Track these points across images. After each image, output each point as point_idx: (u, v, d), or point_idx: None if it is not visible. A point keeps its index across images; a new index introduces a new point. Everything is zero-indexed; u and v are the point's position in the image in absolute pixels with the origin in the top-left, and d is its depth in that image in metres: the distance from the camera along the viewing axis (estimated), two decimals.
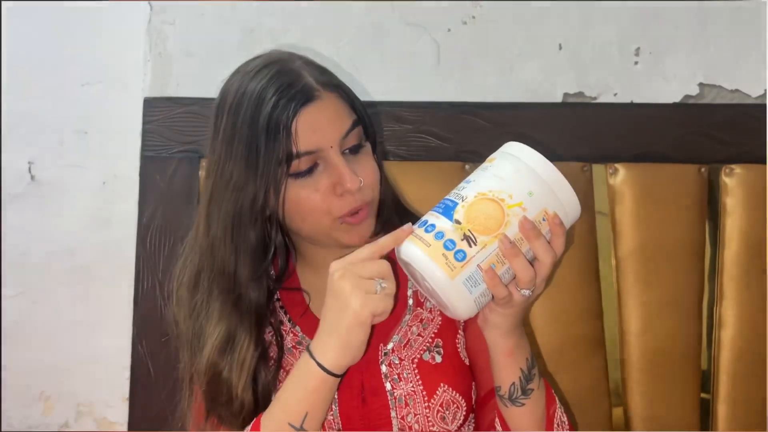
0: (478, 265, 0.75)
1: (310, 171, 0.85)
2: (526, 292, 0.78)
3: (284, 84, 0.84)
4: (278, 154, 0.83)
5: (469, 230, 0.75)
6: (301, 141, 0.83)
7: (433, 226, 0.77)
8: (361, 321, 0.77)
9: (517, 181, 0.77)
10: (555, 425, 0.89)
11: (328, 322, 0.80)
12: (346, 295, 0.77)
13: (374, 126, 0.93)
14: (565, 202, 0.78)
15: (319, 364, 0.80)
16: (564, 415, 0.91)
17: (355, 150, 0.88)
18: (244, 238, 0.87)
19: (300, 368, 0.82)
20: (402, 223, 0.81)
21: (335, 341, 0.79)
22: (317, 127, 0.84)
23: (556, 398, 0.91)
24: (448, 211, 0.77)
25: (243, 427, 0.87)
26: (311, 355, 0.81)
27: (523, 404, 0.86)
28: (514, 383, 0.85)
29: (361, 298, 0.77)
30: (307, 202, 0.85)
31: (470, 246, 0.75)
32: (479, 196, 0.76)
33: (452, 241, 0.75)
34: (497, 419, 0.90)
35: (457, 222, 0.75)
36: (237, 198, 0.85)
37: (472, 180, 0.79)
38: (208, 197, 0.88)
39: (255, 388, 0.89)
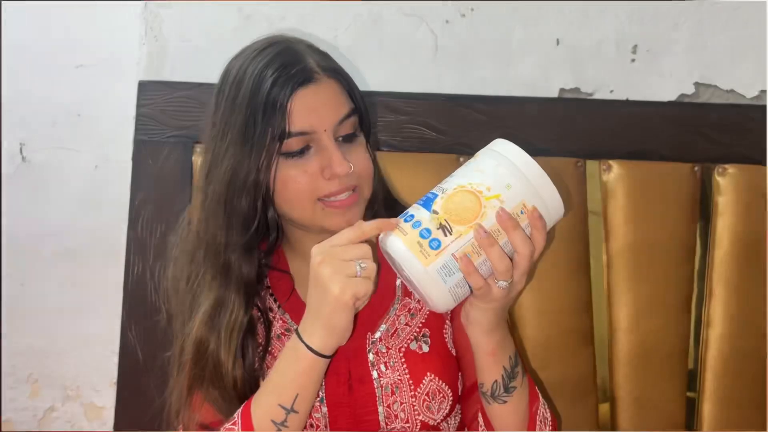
0: (452, 254, 0.76)
1: (301, 153, 0.86)
2: (503, 284, 0.78)
3: (285, 64, 0.85)
4: (272, 131, 0.84)
5: (445, 220, 0.76)
6: (295, 121, 0.84)
7: (412, 216, 0.78)
8: (342, 304, 0.78)
9: (497, 175, 0.78)
10: (538, 422, 0.89)
11: (313, 306, 0.81)
12: (327, 280, 0.78)
13: (370, 118, 0.94)
14: (547, 199, 0.78)
15: (308, 346, 0.81)
16: (547, 411, 0.91)
17: (349, 139, 0.88)
18: (236, 209, 0.87)
19: (289, 350, 0.83)
20: (389, 216, 0.81)
21: (320, 324, 0.80)
22: (312, 108, 0.85)
23: (539, 395, 0.91)
24: (428, 203, 0.78)
25: (233, 410, 0.87)
26: (300, 337, 0.82)
27: (505, 401, 0.86)
28: (496, 381, 0.86)
29: (341, 282, 0.77)
30: (294, 183, 0.86)
31: (445, 235, 0.76)
32: (458, 188, 0.78)
33: (428, 230, 0.76)
34: (480, 414, 0.90)
35: (435, 212, 0.77)
36: (232, 170, 0.86)
37: (455, 174, 0.81)
38: (205, 170, 0.89)
39: (243, 364, 0.89)
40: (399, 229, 0.78)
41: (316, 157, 0.86)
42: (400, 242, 0.77)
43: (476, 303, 0.81)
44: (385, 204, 0.97)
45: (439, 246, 0.76)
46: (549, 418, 0.91)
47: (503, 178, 0.77)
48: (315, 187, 0.86)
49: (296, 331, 0.82)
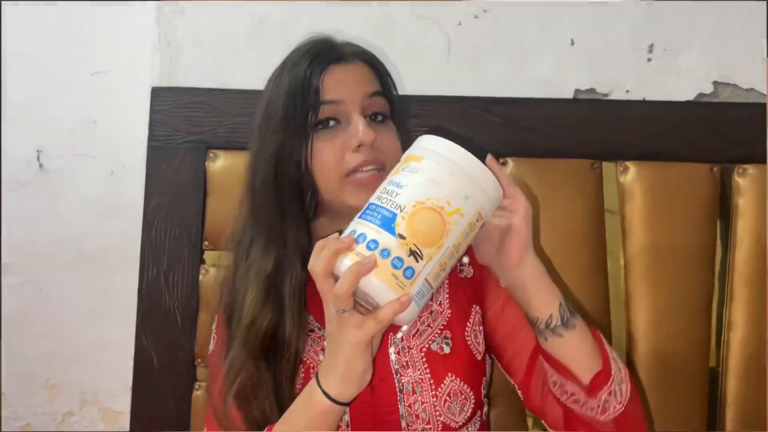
0: (425, 279, 0.74)
1: (331, 126, 0.90)
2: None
3: (319, 49, 0.93)
4: (308, 105, 0.90)
5: (414, 245, 0.73)
6: (327, 92, 0.90)
7: (375, 242, 0.73)
8: (356, 352, 0.79)
9: (454, 187, 0.76)
10: (612, 360, 0.86)
11: (328, 356, 0.82)
12: (334, 337, 0.79)
13: (403, 113, 0.98)
14: (493, 199, 0.79)
15: (325, 393, 0.82)
16: (621, 370, 0.88)
17: (378, 119, 0.93)
18: (284, 190, 0.91)
19: (308, 392, 0.84)
20: None
21: (336, 372, 0.81)
22: (342, 81, 0.91)
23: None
24: (387, 223, 0.74)
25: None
26: (318, 383, 0.82)
27: (574, 327, 0.84)
28: (561, 304, 0.84)
29: (350, 332, 0.78)
30: (323, 153, 0.89)
31: (417, 261, 0.73)
32: (418, 206, 0.74)
33: (400, 259, 0.73)
34: (548, 368, 0.87)
35: (401, 237, 0.73)
36: (276, 155, 0.90)
37: (404, 184, 0.76)
38: (252, 163, 0.94)
39: (302, 332, 0.91)
40: (360, 256, 0.73)
41: (345, 129, 0.90)
42: (374, 277, 0.72)
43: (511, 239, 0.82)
44: None
45: (413, 275, 0.73)
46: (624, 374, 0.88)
47: (461, 189, 0.76)
48: (342, 158, 0.89)
49: (316, 376, 0.83)
